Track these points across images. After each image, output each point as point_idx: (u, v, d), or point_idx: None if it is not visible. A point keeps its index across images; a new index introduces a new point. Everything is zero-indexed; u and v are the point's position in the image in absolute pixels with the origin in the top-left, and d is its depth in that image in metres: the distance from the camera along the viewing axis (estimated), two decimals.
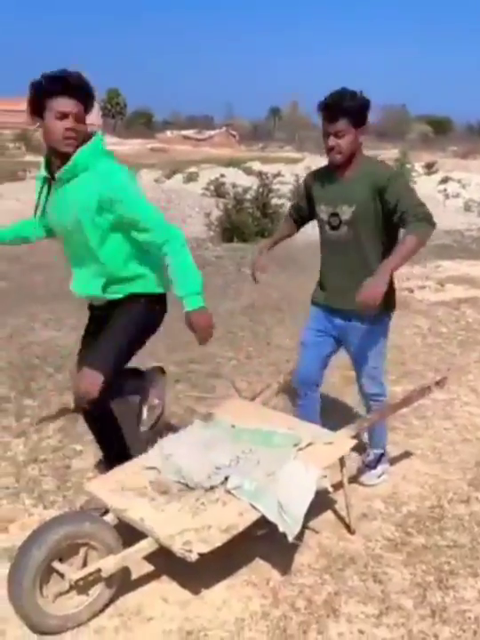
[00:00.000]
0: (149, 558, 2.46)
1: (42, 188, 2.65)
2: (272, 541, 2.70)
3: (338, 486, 3.02)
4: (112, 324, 2.67)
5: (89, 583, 2.23)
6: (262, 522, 2.41)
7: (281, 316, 6.08)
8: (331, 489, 2.60)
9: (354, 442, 2.69)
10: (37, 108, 2.43)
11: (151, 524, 2.31)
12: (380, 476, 3.18)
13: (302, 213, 3.17)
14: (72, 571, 2.21)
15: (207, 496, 2.45)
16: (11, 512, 2.93)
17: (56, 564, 2.20)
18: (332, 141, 2.74)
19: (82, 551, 2.26)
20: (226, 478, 2.51)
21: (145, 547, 2.29)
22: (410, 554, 2.68)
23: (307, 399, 3.15)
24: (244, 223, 10.73)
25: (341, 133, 2.71)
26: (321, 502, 2.98)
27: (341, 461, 2.71)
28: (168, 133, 58.87)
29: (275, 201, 11.64)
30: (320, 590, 2.46)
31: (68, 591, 2.22)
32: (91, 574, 2.21)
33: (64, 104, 2.38)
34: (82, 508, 2.82)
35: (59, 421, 3.86)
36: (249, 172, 15.97)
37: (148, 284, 2.69)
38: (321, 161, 13.42)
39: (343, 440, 2.73)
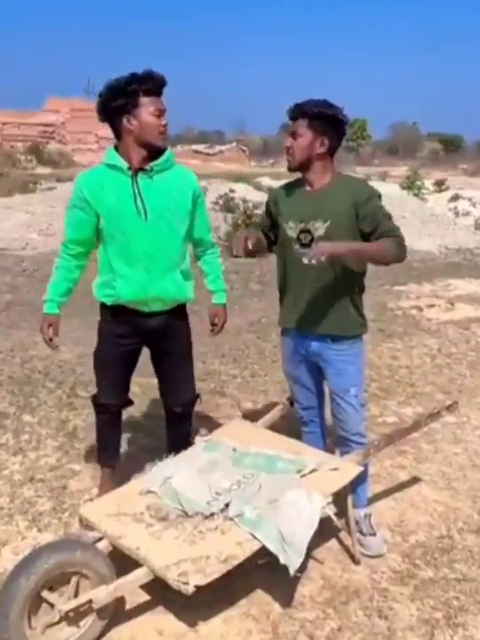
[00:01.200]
0: (144, 586, 2.36)
1: (123, 178, 2.64)
2: (273, 571, 2.59)
3: (342, 513, 2.93)
4: (182, 346, 2.95)
5: (80, 614, 2.14)
6: (263, 551, 2.30)
7: None
8: (335, 518, 2.48)
9: (360, 469, 2.58)
10: (126, 106, 2.54)
11: (146, 552, 2.21)
12: (384, 541, 2.83)
13: (268, 230, 2.92)
14: (62, 601, 2.12)
15: (205, 524, 2.34)
16: (3, 534, 2.84)
17: (46, 594, 2.10)
18: (287, 141, 2.65)
19: (73, 580, 2.16)
20: (226, 505, 2.41)
21: (139, 577, 2.19)
22: (417, 587, 2.56)
23: (312, 426, 3.04)
24: None
25: (297, 134, 2.61)
26: (324, 530, 2.86)
27: (346, 488, 2.60)
28: (178, 148, 59.21)
29: None
30: (322, 625, 2.35)
31: (57, 622, 2.13)
32: (82, 605, 2.11)
33: (161, 102, 2.59)
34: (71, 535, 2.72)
35: (58, 439, 3.77)
36: (258, 187, 15.92)
37: (191, 287, 2.88)
38: None
39: (349, 467, 2.62)
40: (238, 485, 2.53)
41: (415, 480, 3.41)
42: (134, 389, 3.28)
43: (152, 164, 2.64)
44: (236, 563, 2.17)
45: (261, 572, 2.55)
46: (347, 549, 2.77)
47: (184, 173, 2.77)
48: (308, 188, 2.71)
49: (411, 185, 18.85)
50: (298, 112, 2.62)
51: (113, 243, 2.69)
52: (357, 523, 2.78)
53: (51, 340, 2.93)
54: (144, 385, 4.29)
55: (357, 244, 2.59)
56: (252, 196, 13.00)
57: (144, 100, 2.54)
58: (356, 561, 2.67)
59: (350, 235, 2.60)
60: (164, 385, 3.04)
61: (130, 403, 3.09)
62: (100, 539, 2.39)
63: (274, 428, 3.17)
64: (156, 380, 4.44)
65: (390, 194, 13.70)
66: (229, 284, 8.08)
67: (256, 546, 2.24)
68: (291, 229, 2.71)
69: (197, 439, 2.90)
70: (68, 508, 3.05)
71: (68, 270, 2.86)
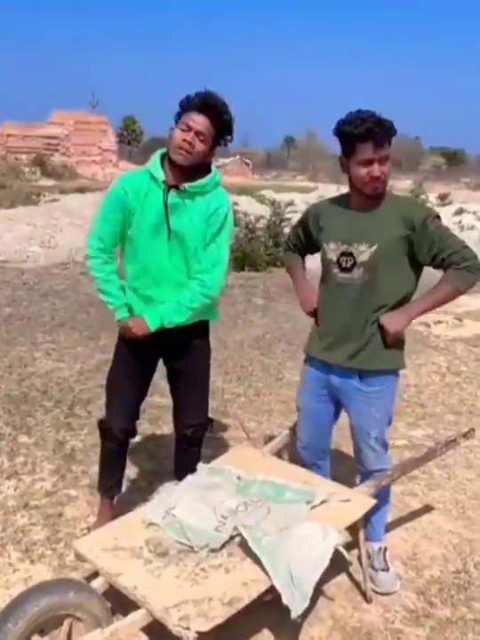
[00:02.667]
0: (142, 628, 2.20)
1: (156, 192, 2.57)
2: (280, 609, 2.43)
3: (353, 545, 2.78)
4: (198, 365, 2.82)
5: None
6: (269, 590, 2.15)
7: (293, 349, 5.82)
8: (345, 553, 2.31)
9: (373, 502, 2.43)
10: (177, 118, 2.54)
11: (145, 592, 2.06)
12: (398, 578, 2.66)
13: (301, 245, 2.77)
14: None
15: (208, 561, 2.19)
16: None
17: (36, 639, 1.95)
18: (377, 171, 2.32)
19: (65, 623, 2.01)
20: (234, 528, 2.27)
21: (137, 620, 2.03)
22: (433, 628, 2.40)
23: (314, 469, 2.80)
24: (255, 252, 10.52)
25: (385, 160, 2.33)
26: (335, 564, 2.71)
27: (359, 521, 2.44)
28: None
29: (287, 230, 11.45)
30: None
31: None
32: None
33: (193, 120, 2.48)
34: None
35: (54, 461, 3.62)
36: (261, 200, 15.83)
37: (212, 307, 2.77)
38: (335, 191, 13.27)
39: (361, 499, 2.46)
40: (245, 507, 2.39)
41: (427, 508, 3.25)
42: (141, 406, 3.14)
43: (188, 185, 2.54)
44: (240, 606, 2.01)
45: (267, 611, 2.40)
46: (357, 585, 2.62)
47: (218, 200, 2.59)
48: (354, 207, 2.47)
49: (415, 199, 18.74)
50: (384, 135, 2.30)
51: (133, 253, 2.65)
52: (370, 557, 2.62)
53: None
54: (146, 404, 4.13)
55: (416, 305, 2.41)
56: (254, 210, 12.92)
57: (184, 114, 2.51)
58: (367, 599, 2.52)
59: (398, 263, 2.39)
60: (177, 405, 2.94)
61: (135, 433, 2.95)
62: (96, 574, 2.24)
63: (281, 455, 3.02)
64: (158, 399, 4.34)
65: None
66: (232, 298, 8.07)
67: (262, 587, 2.09)
68: (331, 251, 2.49)
69: (200, 466, 2.75)
70: (63, 537, 2.90)
71: (113, 273, 2.72)
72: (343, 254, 2.43)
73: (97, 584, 2.19)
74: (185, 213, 2.57)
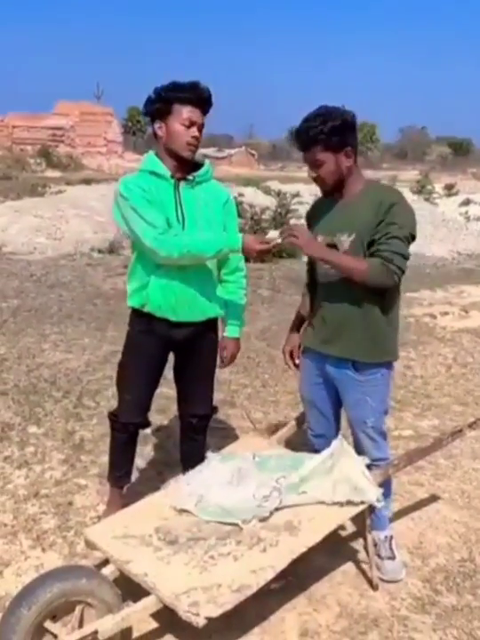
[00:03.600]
0: (152, 613, 2.23)
1: (165, 187, 2.58)
2: (286, 597, 2.49)
3: (359, 533, 2.82)
4: (207, 361, 2.88)
5: None
6: (276, 576, 2.18)
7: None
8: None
9: (379, 490, 2.45)
10: (158, 111, 2.52)
11: (155, 580, 2.09)
12: (404, 566, 2.69)
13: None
14: (66, 631, 2.00)
15: (217, 548, 2.22)
16: (6, 554, 2.73)
17: (48, 625, 1.99)
18: (311, 173, 2.46)
19: (77, 609, 2.05)
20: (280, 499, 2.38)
21: (148, 606, 2.07)
22: (439, 616, 2.43)
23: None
24: None
25: (318, 162, 2.40)
26: (341, 551, 2.76)
27: (365, 509, 2.47)
28: None
29: (293, 221, 11.44)
30: None
31: None
32: (87, 636, 1.99)
33: (195, 113, 2.50)
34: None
35: (64, 451, 3.66)
36: (267, 191, 15.81)
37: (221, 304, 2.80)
38: None
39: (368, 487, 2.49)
40: (278, 483, 2.46)
41: (434, 498, 3.27)
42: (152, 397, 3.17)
43: (195, 174, 2.61)
44: (249, 593, 2.04)
45: (274, 598, 2.44)
46: (364, 573, 2.65)
47: (219, 188, 2.76)
48: (337, 199, 2.53)
49: (421, 189, 18.70)
50: (309, 140, 2.38)
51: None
52: (376, 545, 2.65)
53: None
54: (158, 395, 4.17)
55: (329, 252, 2.40)
56: (260, 201, 12.92)
57: (177, 107, 2.48)
58: (374, 586, 2.54)
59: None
60: (182, 395, 2.97)
61: (148, 424, 2.98)
62: (106, 562, 2.28)
63: (288, 444, 3.05)
64: (166, 389, 4.36)
65: None
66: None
67: (270, 574, 2.12)
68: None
69: (209, 454, 2.79)
70: (73, 525, 2.94)
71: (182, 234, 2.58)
72: (328, 245, 2.48)
73: (107, 571, 2.23)
74: (199, 201, 2.61)
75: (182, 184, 2.59)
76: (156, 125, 2.54)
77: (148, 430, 3.90)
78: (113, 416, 2.90)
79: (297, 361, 2.82)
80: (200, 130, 2.55)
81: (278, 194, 12.10)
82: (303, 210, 13.03)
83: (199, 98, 2.51)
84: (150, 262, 2.61)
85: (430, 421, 4.27)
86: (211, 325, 2.81)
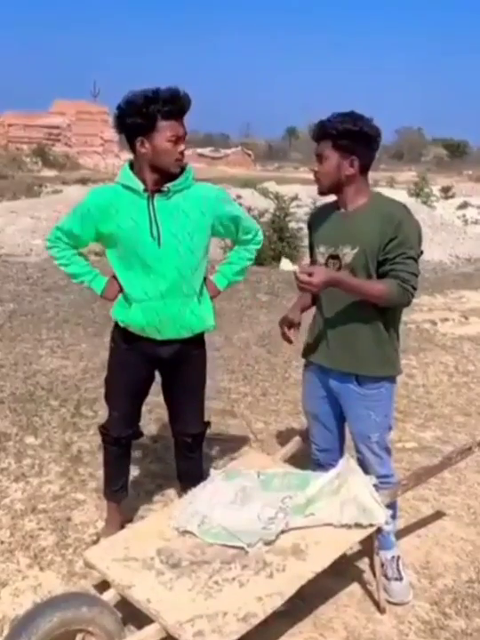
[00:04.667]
0: None
1: (137, 202, 2.48)
2: (292, 620, 2.42)
3: (364, 553, 2.75)
4: (196, 375, 2.80)
5: None
6: (284, 604, 2.12)
7: (299, 347, 5.77)
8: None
9: (388, 512, 2.39)
10: (141, 127, 2.36)
11: (158, 607, 2.03)
12: (411, 587, 2.61)
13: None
14: None
15: (222, 573, 2.16)
16: (3, 573, 2.65)
17: None
18: (314, 166, 2.44)
19: (78, 638, 1.98)
20: (286, 522, 2.32)
21: (150, 635, 2.00)
22: None
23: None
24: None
25: (322, 158, 2.39)
26: (347, 573, 2.69)
27: (373, 532, 2.40)
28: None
29: (292, 225, 11.38)
30: None
31: None
32: None
33: (180, 127, 2.39)
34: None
35: (61, 463, 3.59)
36: (265, 193, 15.75)
37: (211, 313, 2.71)
38: None
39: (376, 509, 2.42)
40: (283, 504, 2.39)
41: (439, 514, 3.21)
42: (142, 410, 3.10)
43: (169, 185, 2.47)
44: (256, 622, 1.98)
45: (281, 621, 2.37)
46: (370, 594, 2.58)
47: (203, 190, 2.57)
48: (341, 210, 2.49)
49: (419, 191, 18.67)
50: (321, 132, 2.38)
51: (129, 267, 2.54)
52: (383, 566, 2.59)
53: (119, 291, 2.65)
54: (152, 404, 4.10)
55: (351, 279, 2.35)
56: (258, 204, 12.85)
57: (162, 123, 2.34)
58: (381, 609, 2.48)
59: (377, 261, 2.38)
60: (173, 413, 2.90)
61: (140, 434, 2.91)
62: (107, 585, 2.21)
63: (293, 461, 2.98)
64: (161, 398, 4.30)
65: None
66: (237, 293, 8.00)
67: (278, 602, 2.05)
68: (321, 255, 2.51)
69: (212, 472, 2.72)
70: (72, 542, 2.87)
71: (75, 255, 2.68)
72: (331, 257, 2.45)
73: (108, 596, 2.16)
74: (178, 212, 2.48)
75: (157, 197, 2.46)
76: (138, 142, 2.38)
77: (146, 441, 3.84)
78: (104, 429, 2.84)
79: (291, 337, 2.71)
80: (184, 140, 2.44)
81: (276, 197, 12.01)
82: (302, 213, 12.99)
83: (182, 109, 2.39)
84: (132, 282, 2.55)
85: (433, 432, 4.21)
86: (197, 340, 2.73)
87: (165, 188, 2.46)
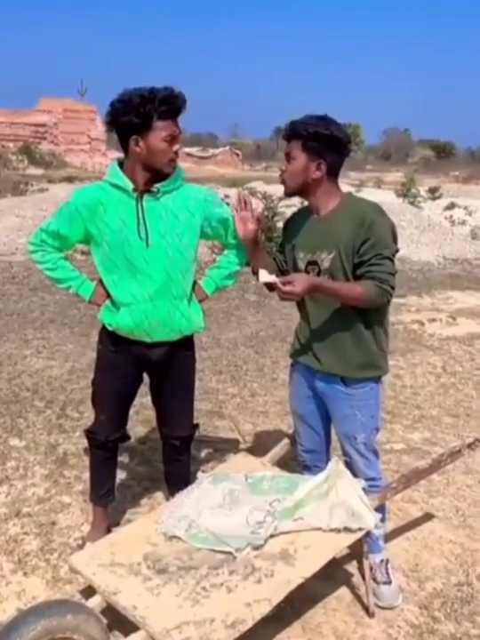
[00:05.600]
0: None
1: (125, 202, 2.44)
2: (280, 625, 2.39)
3: (353, 556, 2.73)
4: (185, 378, 2.76)
5: None
6: (272, 610, 2.08)
7: (287, 347, 5.72)
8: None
9: (378, 516, 2.37)
10: (136, 126, 2.32)
11: (144, 613, 1.99)
12: (400, 591, 2.60)
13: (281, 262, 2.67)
14: None
15: (209, 579, 2.12)
16: None
17: None
18: (282, 166, 2.43)
19: None
20: (275, 526, 2.29)
21: None
22: None
23: (315, 471, 2.67)
24: None
25: (290, 157, 2.37)
26: (335, 576, 2.67)
27: (363, 537, 2.38)
28: None
29: (280, 225, 11.35)
30: None
31: None
32: None
33: (175, 127, 2.37)
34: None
35: (46, 466, 3.54)
36: (253, 193, 15.71)
37: (201, 315, 2.67)
38: None
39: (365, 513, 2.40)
40: (272, 508, 2.36)
41: (428, 517, 3.20)
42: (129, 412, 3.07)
43: (158, 185, 2.43)
44: (244, 629, 1.95)
45: (269, 626, 2.34)
46: (359, 598, 2.56)
47: (193, 191, 2.54)
48: (314, 215, 2.47)
49: (406, 192, 18.71)
50: (292, 132, 2.36)
51: (116, 270, 2.48)
52: (372, 569, 2.56)
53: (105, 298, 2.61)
54: (138, 406, 4.06)
55: (330, 283, 2.33)
56: None
57: (158, 123, 2.31)
58: (370, 614, 2.46)
59: (353, 264, 2.36)
60: (162, 415, 2.86)
61: (127, 438, 2.87)
62: (92, 591, 2.17)
63: (281, 464, 2.95)
64: (149, 399, 4.26)
65: (385, 201, 13.53)
66: (225, 294, 7.95)
67: (266, 608, 2.02)
68: (300, 261, 2.49)
69: (200, 475, 2.69)
70: (57, 547, 2.82)
71: (60, 259, 2.62)
72: (309, 263, 2.45)
73: (94, 602, 2.12)
74: (167, 213, 2.45)
75: (145, 197, 2.43)
76: (132, 142, 2.34)
77: (133, 443, 3.80)
78: (90, 433, 2.80)
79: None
80: (179, 139, 2.43)
81: (265, 197, 11.95)
82: (290, 212, 12.97)
83: (178, 110, 2.36)
84: (119, 285, 2.51)
85: (421, 434, 4.20)
86: (187, 342, 2.70)
87: (154, 189, 2.42)
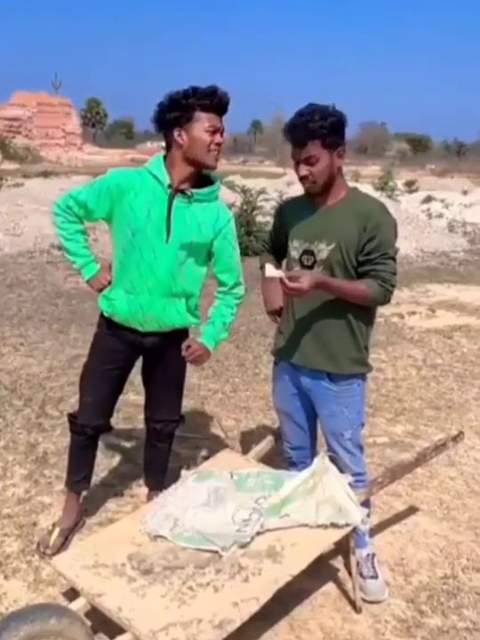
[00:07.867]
0: None
1: (159, 197, 2.45)
2: (267, 622, 2.37)
3: (338, 551, 2.72)
4: (176, 370, 2.78)
5: None
6: (260, 610, 2.06)
7: (268, 342, 5.72)
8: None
9: (364, 511, 2.35)
10: (179, 119, 2.37)
11: (130, 615, 1.96)
12: (387, 585, 2.59)
13: (278, 247, 2.68)
14: None
15: (195, 578, 2.09)
16: None
17: None
18: (303, 170, 2.32)
19: None
20: (261, 524, 2.27)
21: None
22: (425, 639, 2.35)
23: (301, 468, 2.64)
24: None
25: (313, 159, 2.29)
26: (322, 572, 2.65)
27: (350, 533, 2.36)
28: (148, 144, 58.48)
29: (259, 218, 11.30)
30: None
31: None
32: None
33: (218, 120, 2.40)
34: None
35: (26, 466, 3.47)
36: (231, 186, 15.65)
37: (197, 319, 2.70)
38: None
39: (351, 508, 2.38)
40: (258, 505, 2.35)
41: (412, 510, 3.20)
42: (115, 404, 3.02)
43: (195, 191, 2.46)
44: (231, 629, 1.92)
45: (256, 623, 2.31)
46: (345, 594, 2.55)
47: (222, 210, 2.56)
48: (317, 205, 2.43)
49: (384, 185, 18.80)
50: (308, 135, 2.26)
51: (125, 254, 2.51)
52: (358, 564, 2.55)
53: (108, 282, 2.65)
54: (121, 402, 3.99)
55: (335, 281, 2.32)
56: (225, 197, 12.72)
57: (200, 114, 2.36)
58: (357, 609, 2.45)
59: (356, 260, 2.35)
60: (149, 400, 2.88)
61: (109, 428, 2.84)
62: (76, 593, 2.13)
63: (266, 461, 2.92)
64: (133, 396, 4.20)
65: None
66: (205, 288, 7.88)
67: (254, 607, 2.00)
68: (294, 249, 2.46)
69: (184, 473, 2.65)
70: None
71: (78, 233, 2.67)
72: (305, 252, 2.42)
73: (78, 605, 2.08)
74: (191, 219, 2.48)
75: (178, 196, 2.45)
76: (176, 133, 2.38)
77: (116, 441, 3.75)
78: (72, 417, 2.80)
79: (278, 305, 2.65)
80: (223, 135, 2.45)
81: (243, 190, 11.90)
82: (269, 206, 12.92)
83: (220, 105, 2.40)
84: (124, 272, 2.55)
85: (404, 427, 4.21)
86: (181, 334, 2.70)
87: (189, 193, 2.45)
